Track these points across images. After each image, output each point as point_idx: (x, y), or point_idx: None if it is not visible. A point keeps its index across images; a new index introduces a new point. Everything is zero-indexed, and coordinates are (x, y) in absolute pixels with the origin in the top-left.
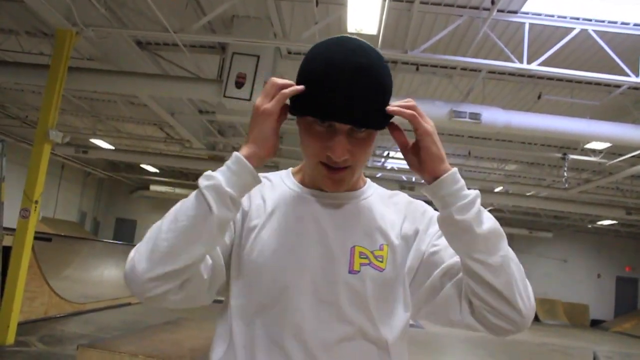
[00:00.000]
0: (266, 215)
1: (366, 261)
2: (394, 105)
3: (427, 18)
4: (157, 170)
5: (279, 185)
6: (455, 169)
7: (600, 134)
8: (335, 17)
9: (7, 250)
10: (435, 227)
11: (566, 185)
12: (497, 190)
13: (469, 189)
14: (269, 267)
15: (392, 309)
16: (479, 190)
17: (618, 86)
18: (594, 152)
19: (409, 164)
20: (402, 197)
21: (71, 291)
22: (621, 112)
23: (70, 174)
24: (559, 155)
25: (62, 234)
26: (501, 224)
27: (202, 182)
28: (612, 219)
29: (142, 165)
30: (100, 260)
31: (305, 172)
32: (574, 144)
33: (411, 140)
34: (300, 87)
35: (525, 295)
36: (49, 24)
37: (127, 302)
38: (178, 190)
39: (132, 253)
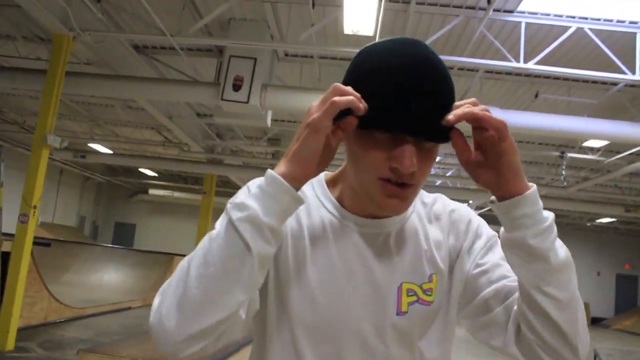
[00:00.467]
0: (305, 245)
1: (414, 298)
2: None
3: (423, 18)
4: (156, 174)
5: (316, 206)
6: (535, 187)
7: (598, 132)
8: (331, 18)
9: (6, 255)
10: (480, 242)
11: (565, 184)
12: None
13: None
14: (315, 311)
15: (437, 334)
16: (476, 188)
17: (615, 84)
18: (592, 150)
19: (476, 177)
20: (442, 204)
21: (71, 296)
22: (618, 109)
23: (69, 178)
24: (557, 153)
25: (61, 239)
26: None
27: (233, 213)
28: (611, 217)
29: (141, 169)
30: (100, 264)
31: (346, 192)
32: (571, 143)
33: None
34: (363, 105)
35: (584, 335)
36: (46, 29)
37: (127, 306)
38: (177, 194)
39: (157, 301)
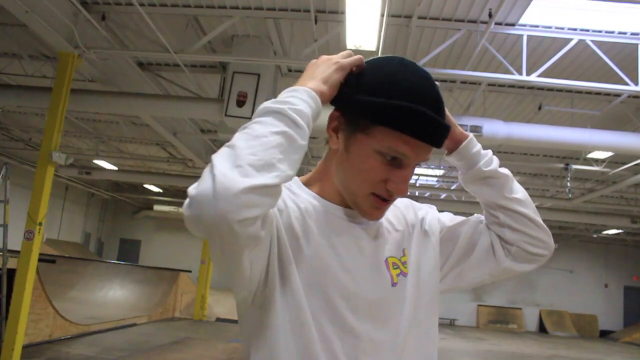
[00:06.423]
0: (307, 228)
1: (398, 271)
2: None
3: (425, 32)
4: (161, 190)
5: (303, 196)
6: (471, 134)
7: (602, 143)
8: (334, 34)
9: (11, 272)
10: (433, 210)
11: (570, 196)
12: None
13: None
14: (327, 286)
15: (423, 307)
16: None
17: (618, 95)
18: (596, 161)
19: None
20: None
21: (76, 312)
22: (622, 120)
23: (74, 195)
24: (562, 165)
25: (67, 256)
26: None
27: (277, 105)
28: (618, 228)
29: (146, 186)
30: (105, 281)
31: (327, 188)
32: (576, 154)
33: None
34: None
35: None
36: (52, 47)
37: (132, 322)
38: (181, 210)
39: (203, 176)
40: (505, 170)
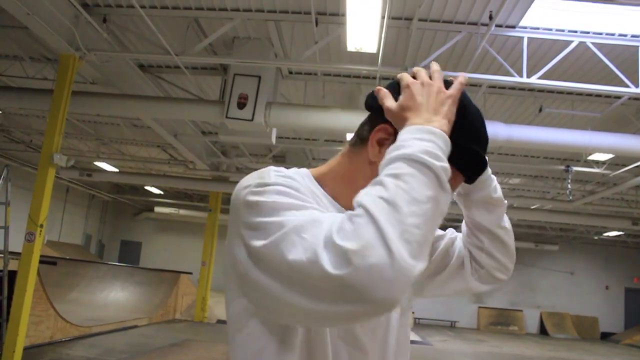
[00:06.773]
0: None
1: None
2: None
3: (426, 35)
4: (161, 192)
5: (324, 201)
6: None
7: (602, 145)
8: (335, 36)
9: (12, 274)
10: None
11: (570, 198)
12: None
13: None
14: None
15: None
16: None
17: (618, 97)
18: (597, 163)
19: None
20: None
21: (77, 314)
22: (623, 122)
23: (75, 197)
24: (562, 167)
25: (67, 257)
26: None
27: (431, 160)
28: (619, 230)
29: (146, 187)
30: (106, 282)
31: (340, 191)
32: (576, 156)
33: None
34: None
35: None
36: (53, 49)
37: (133, 324)
38: (182, 212)
39: (368, 239)
40: (505, 200)
